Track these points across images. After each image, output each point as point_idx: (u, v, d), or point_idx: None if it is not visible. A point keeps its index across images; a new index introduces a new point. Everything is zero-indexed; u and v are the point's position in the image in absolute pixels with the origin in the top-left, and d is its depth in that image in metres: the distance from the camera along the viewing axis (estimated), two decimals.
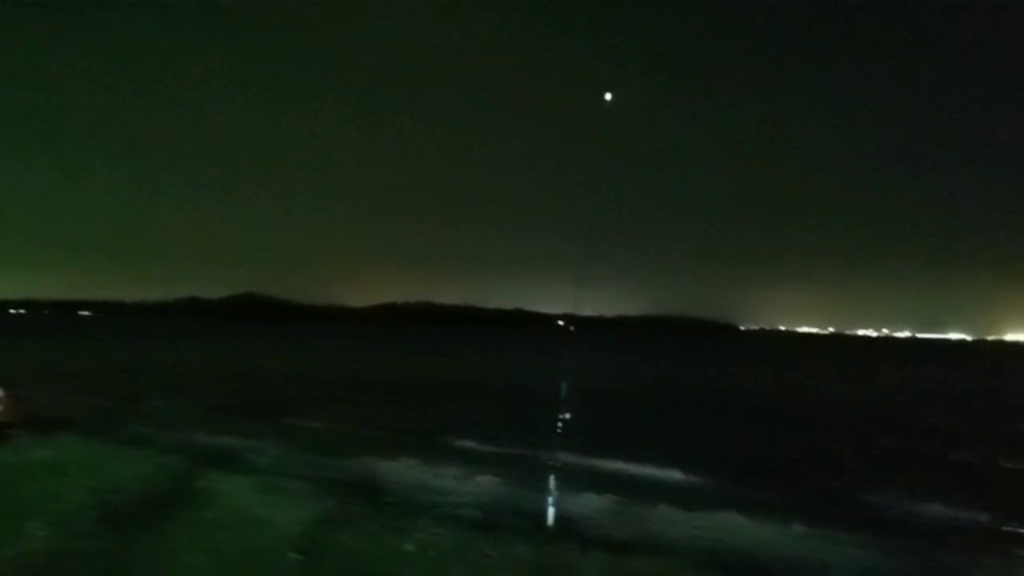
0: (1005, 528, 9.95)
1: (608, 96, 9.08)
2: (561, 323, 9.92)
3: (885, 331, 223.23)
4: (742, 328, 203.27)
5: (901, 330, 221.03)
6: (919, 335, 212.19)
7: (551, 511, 8.83)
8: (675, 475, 12.95)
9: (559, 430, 9.07)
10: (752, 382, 38.30)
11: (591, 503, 10.10)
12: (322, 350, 53.35)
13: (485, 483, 11.39)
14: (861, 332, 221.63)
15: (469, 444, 15.42)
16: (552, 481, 8.79)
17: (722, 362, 55.93)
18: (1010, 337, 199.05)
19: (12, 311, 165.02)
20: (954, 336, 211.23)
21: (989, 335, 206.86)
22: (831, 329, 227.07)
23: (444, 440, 15.98)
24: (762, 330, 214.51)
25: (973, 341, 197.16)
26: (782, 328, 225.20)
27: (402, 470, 12.12)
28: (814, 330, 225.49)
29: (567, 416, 9.14)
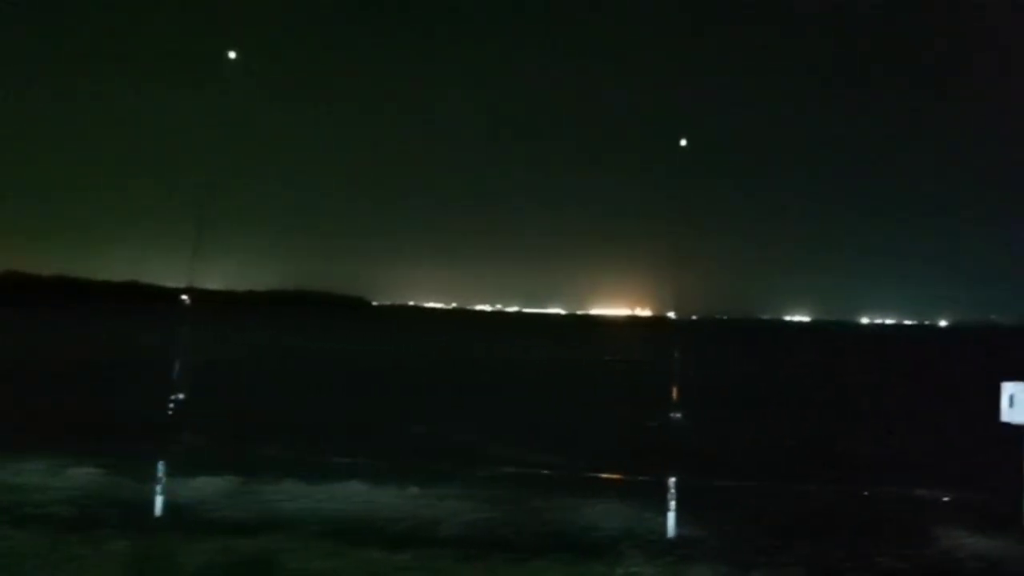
0: (578, 475, 11.76)
1: (232, 54, 8.56)
2: (184, 298, 9.13)
3: (499, 306, 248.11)
4: (374, 303, 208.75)
5: (511, 305, 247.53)
6: (525, 310, 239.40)
7: (159, 499, 8.17)
8: (302, 449, 12.87)
9: (171, 412, 8.39)
10: (381, 355, 39.65)
11: (208, 486, 9.58)
12: None
13: (80, 476, 10.10)
14: (479, 307, 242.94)
15: (61, 432, 13.52)
16: (162, 467, 8.12)
17: (352, 335, 56.92)
18: (594, 311, 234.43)
19: None
20: (552, 310, 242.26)
21: (579, 309, 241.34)
22: (454, 304, 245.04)
23: (27, 429, 13.78)
24: (393, 305, 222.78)
25: (566, 314, 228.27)
26: (411, 303, 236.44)
27: None
28: (440, 305, 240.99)
29: (181, 397, 8.50)
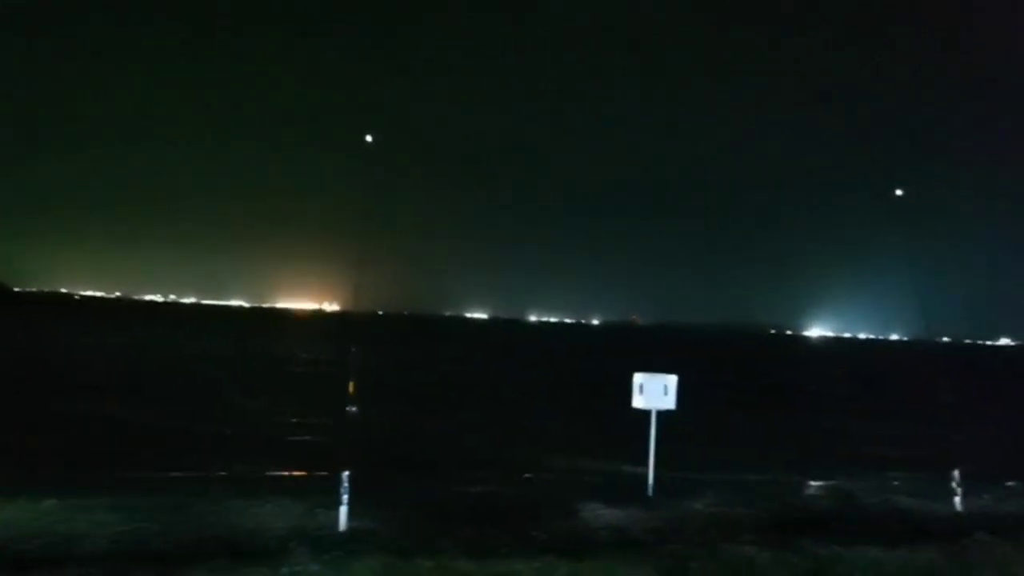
0: (248, 475, 11.29)
1: None
2: None
3: (172, 297, 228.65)
4: (17, 290, 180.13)
5: (187, 296, 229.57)
6: (204, 301, 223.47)
7: None
8: None
9: None
10: (33, 350, 34.38)
11: None
12: None
13: None
14: (148, 297, 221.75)
15: None
16: None
17: None
18: (280, 305, 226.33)
19: None
20: (234, 303, 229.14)
21: (264, 303, 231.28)
22: (118, 293, 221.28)
23: None
24: (41, 292, 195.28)
25: (251, 307, 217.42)
26: (64, 291, 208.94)
27: None
28: (100, 294, 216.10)
29: None
